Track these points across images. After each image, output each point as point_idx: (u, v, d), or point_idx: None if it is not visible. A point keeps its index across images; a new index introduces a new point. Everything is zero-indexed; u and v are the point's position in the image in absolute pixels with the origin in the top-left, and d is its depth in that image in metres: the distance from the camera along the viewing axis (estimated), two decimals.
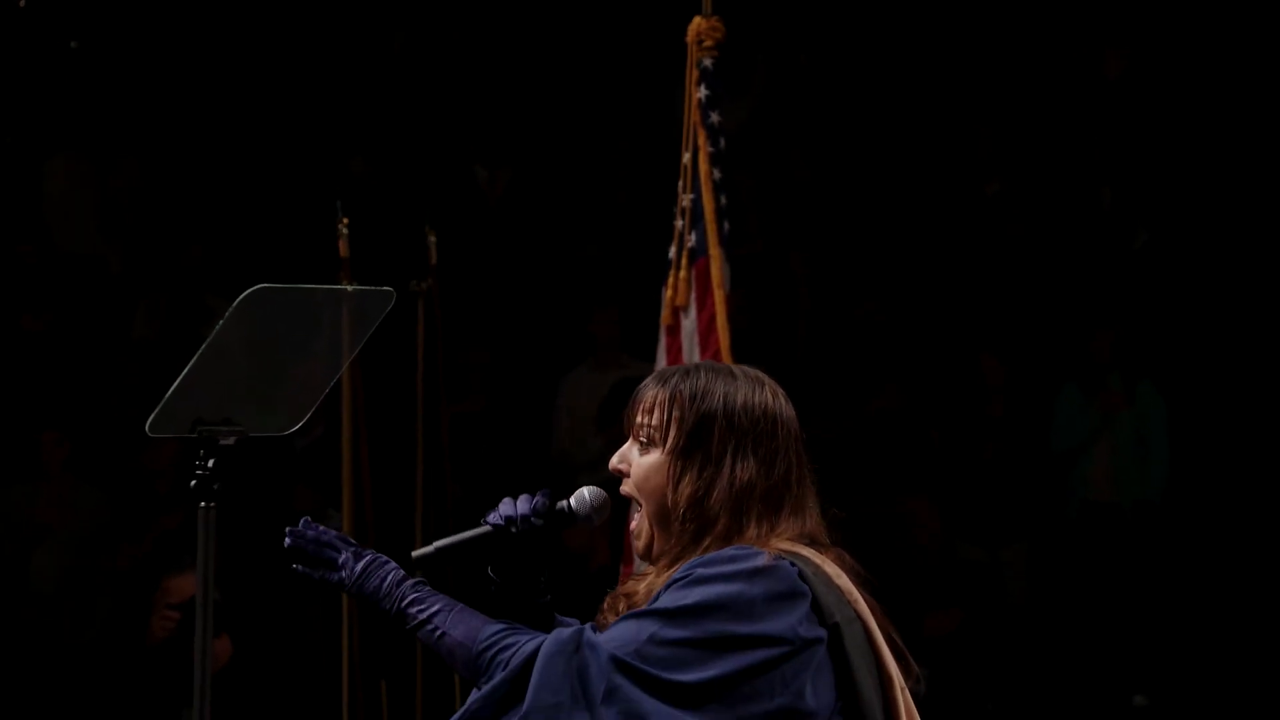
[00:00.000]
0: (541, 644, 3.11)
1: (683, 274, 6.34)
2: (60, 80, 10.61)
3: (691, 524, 3.20)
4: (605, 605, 3.30)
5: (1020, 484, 9.55)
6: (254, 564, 7.92)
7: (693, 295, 6.33)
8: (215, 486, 3.58)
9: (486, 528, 3.31)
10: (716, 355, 6.17)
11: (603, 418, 9.17)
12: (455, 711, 3.22)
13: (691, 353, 6.25)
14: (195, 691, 3.58)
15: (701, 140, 6.33)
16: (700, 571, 3.12)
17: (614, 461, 3.32)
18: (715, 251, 6.29)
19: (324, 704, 7.31)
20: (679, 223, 6.36)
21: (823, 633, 3.13)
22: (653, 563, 3.30)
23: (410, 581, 3.24)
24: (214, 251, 10.20)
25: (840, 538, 3.31)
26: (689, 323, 6.34)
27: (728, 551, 3.15)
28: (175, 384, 3.54)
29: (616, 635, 3.10)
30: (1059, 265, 10.25)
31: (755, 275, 9.73)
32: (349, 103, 11.02)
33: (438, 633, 3.18)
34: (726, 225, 6.36)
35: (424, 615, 3.20)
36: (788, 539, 3.21)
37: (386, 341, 4.31)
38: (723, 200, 6.35)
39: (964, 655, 8.85)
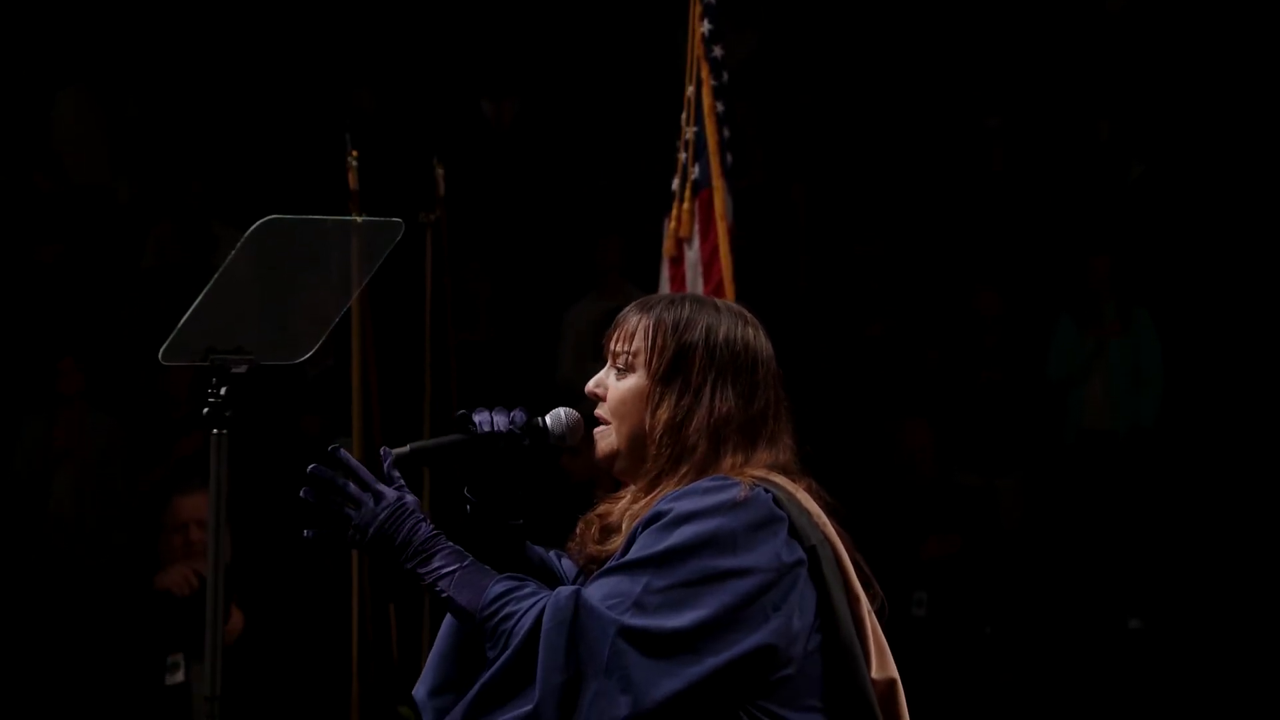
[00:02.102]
0: (542, 613, 3.10)
1: (686, 205, 6.36)
2: (69, 13, 10.61)
3: (668, 449, 3.24)
4: (579, 530, 3.36)
5: (1017, 412, 9.60)
6: (264, 488, 7.99)
7: (695, 226, 6.35)
8: (227, 414, 3.61)
9: (462, 435, 3.31)
10: (719, 285, 6.19)
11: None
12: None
13: (694, 283, 6.27)
14: (208, 615, 3.64)
15: (704, 74, 6.32)
16: (678, 509, 3.13)
17: (590, 385, 3.35)
18: (718, 183, 6.31)
19: (333, 626, 7.39)
20: (682, 155, 6.37)
21: (803, 555, 3.17)
22: (613, 473, 3.34)
23: (419, 539, 3.21)
24: (224, 184, 10.24)
25: (828, 466, 3.35)
26: (692, 253, 6.36)
27: (703, 484, 3.18)
28: (188, 313, 3.57)
29: (611, 590, 3.10)
30: (1056, 197, 10.27)
31: (757, 207, 9.76)
32: (358, 35, 11.02)
33: (444, 595, 3.19)
34: (729, 157, 6.37)
35: (431, 580, 3.19)
36: (763, 469, 3.24)
37: (395, 272, 4.35)
38: (725, 133, 6.36)
39: (963, 579, 8.93)
